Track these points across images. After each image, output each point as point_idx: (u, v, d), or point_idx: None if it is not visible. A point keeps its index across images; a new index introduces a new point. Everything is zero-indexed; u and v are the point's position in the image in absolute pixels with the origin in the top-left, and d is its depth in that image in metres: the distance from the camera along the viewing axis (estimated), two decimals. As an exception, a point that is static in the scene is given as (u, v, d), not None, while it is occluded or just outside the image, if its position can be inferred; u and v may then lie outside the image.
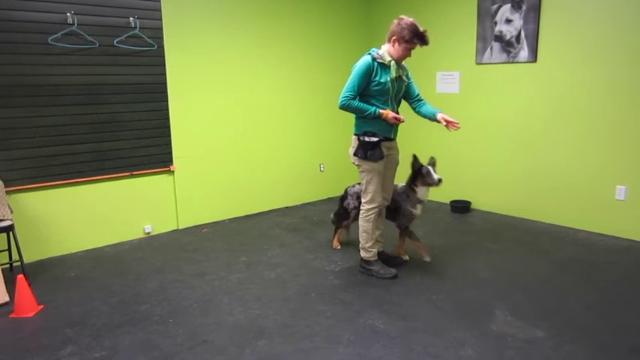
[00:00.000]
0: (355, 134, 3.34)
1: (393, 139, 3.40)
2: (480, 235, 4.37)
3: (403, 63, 3.32)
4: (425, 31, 3.12)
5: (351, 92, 3.21)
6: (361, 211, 3.43)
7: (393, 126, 3.31)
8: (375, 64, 3.19)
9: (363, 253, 3.50)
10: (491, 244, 4.12)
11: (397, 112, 3.32)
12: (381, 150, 3.27)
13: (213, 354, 2.54)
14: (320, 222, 4.84)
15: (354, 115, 3.36)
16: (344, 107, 3.24)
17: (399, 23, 3.13)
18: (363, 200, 3.40)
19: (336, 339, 2.65)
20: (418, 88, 3.48)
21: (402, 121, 3.24)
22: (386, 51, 3.20)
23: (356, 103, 3.22)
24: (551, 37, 4.38)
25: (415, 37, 3.10)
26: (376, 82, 3.19)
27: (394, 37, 3.15)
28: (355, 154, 3.31)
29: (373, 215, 3.38)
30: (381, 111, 3.19)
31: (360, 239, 3.47)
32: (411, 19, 3.12)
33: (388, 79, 3.18)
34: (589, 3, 4.13)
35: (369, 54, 3.22)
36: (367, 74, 3.18)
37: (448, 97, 5.25)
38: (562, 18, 4.29)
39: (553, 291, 3.18)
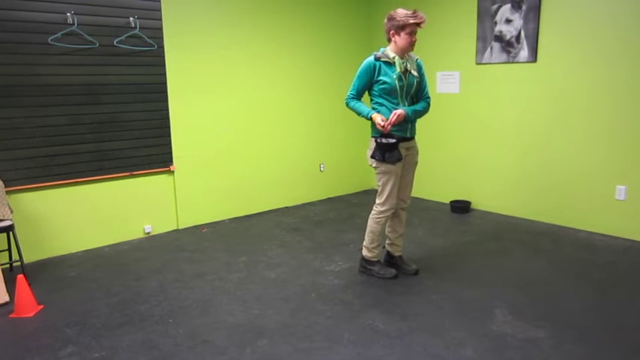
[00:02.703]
0: (372, 136, 3.27)
1: (411, 139, 3.32)
2: (480, 235, 4.37)
3: (417, 59, 3.27)
4: (414, 10, 3.09)
5: (351, 92, 3.27)
6: (372, 212, 3.38)
7: (407, 124, 3.23)
8: (379, 63, 3.17)
9: (365, 252, 3.48)
10: (491, 244, 4.12)
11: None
12: (399, 152, 3.20)
13: (213, 354, 2.54)
14: (320, 222, 4.84)
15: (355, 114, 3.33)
16: (346, 106, 3.32)
17: (388, 18, 3.15)
18: (377, 202, 3.35)
19: (336, 339, 2.65)
20: (428, 87, 3.36)
21: (385, 127, 3.07)
22: (390, 49, 3.18)
23: (353, 103, 3.25)
24: (551, 37, 4.38)
25: (409, 19, 3.06)
26: (381, 82, 3.16)
27: (391, 32, 3.14)
28: (373, 157, 3.24)
29: (384, 218, 3.33)
30: (373, 115, 3.14)
31: (366, 238, 3.44)
32: (397, 9, 3.13)
33: (394, 76, 3.13)
34: (589, 3, 4.13)
35: (373, 54, 3.21)
36: (368, 74, 3.18)
37: (448, 97, 5.25)
38: (562, 18, 4.29)
39: (553, 291, 3.18)
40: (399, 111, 3.10)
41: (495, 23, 4.72)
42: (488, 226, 4.62)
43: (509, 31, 4.63)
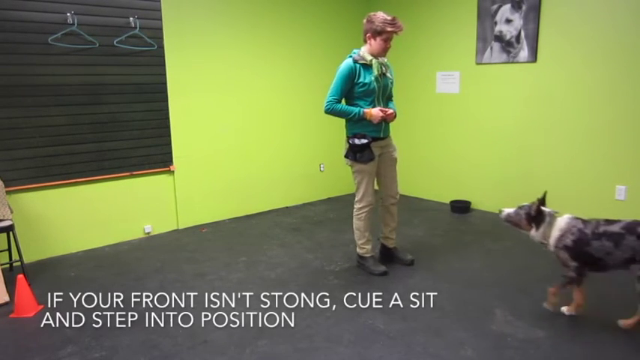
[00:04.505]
0: (346, 136, 3.37)
1: (385, 138, 3.39)
2: (480, 235, 4.37)
3: (387, 62, 3.34)
4: (394, 17, 3.16)
5: (334, 96, 3.25)
6: (354, 210, 3.51)
7: (381, 125, 3.29)
8: (357, 65, 3.22)
9: (357, 249, 3.60)
10: (491, 244, 4.12)
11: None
12: (371, 151, 3.29)
13: (213, 354, 2.54)
14: (320, 222, 4.84)
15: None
16: (329, 111, 3.28)
17: (367, 20, 3.21)
18: (355, 199, 3.48)
19: (336, 339, 2.65)
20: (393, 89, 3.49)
21: (389, 116, 3.22)
22: (365, 51, 3.24)
23: (340, 106, 3.26)
24: (551, 37, 4.38)
25: (386, 26, 3.13)
26: (360, 84, 3.21)
27: (368, 35, 3.21)
28: (346, 156, 3.36)
29: (363, 214, 3.44)
30: (365, 110, 3.21)
31: (354, 236, 3.57)
32: (378, 12, 3.19)
33: (372, 78, 3.21)
34: (589, 3, 4.13)
35: (350, 56, 3.26)
36: (349, 77, 3.21)
37: (448, 97, 5.25)
38: (562, 18, 4.29)
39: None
40: (391, 111, 3.26)
41: (495, 23, 4.72)
42: (488, 226, 4.62)
43: (509, 31, 4.63)
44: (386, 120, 3.26)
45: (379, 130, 3.30)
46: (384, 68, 3.27)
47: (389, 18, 3.15)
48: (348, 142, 3.31)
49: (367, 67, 3.22)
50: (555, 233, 2.72)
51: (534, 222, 2.78)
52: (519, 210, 2.84)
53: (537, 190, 4.62)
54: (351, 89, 3.26)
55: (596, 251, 2.61)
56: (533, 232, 2.81)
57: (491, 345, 2.57)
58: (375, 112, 3.20)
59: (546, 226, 2.75)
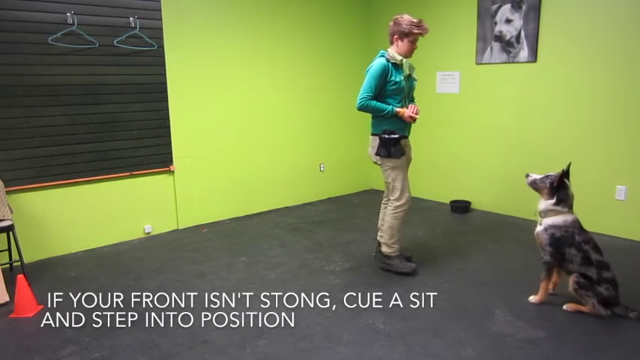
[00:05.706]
0: (374, 134, 3.40)
1: (407, 137, 3.47)
2: (480, 235, 4.37)
3: (411, 62, 3.40)
4: (420, 20, 3.28)
5: (368, 93, 3.29)
6: (389, 208, 3.45)
7: (407, 124, 3.39)
8: (389, 64, 3.30)
9: (384, 248, 3.52)
10: (491, 244, 4.13)
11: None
12: (402, 146, 3.35)
13: (213, 354, 2.54)
14: (320, 222, 4.84)
15: (367, 116, 3.45)
16: (362, 108, 3.32)
17: (394, 22, 3.31)
18: (392, 198, 3.43)
19: (336, 339, 2.65)
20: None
21: (417, 116, 3.32)
22: (394, 51, 3.33)
23: (374, 103, 3.30)
24: (551, 37, 4.38)
25: (414, 28, 3.25)
26: (392, 82, 3.29)
27: (396, 36, 3.31)
28: (377, 154, 3.36)
29: (402, 212, 3.41)
30: (398, 109, 3.29)
31: (385, 235, 3.49)
32: (404, 15, 3.30)
33: (402, 77, 3.30)
34: (589, 3, 4.13)
35: (382, 56, 3.33)
36: (383, 75, 3.27)
37: (448, 97, 5.25)
38: (562, 18, 4.29)
39: (553, 291, 3.17)
40: (418, 108, 3.37)
41: (495, 23, 4.72)
42: (488, 226, 4.63)
43: (509, 31, 4.63)
44: (413, 118, 3.32)
45: (405, 129, 3.40)
46: (410, 69, 3.37)
47: (415, 20, 3.26)
48: (381, 138, 3.32)
49: (397, 66, 3.31)
50: (557, 220, 2.90)
51: (555, 192, 2.94)
52: (545, 178, 3.01)
53: (537, 190, 4.64)
54: (383, 87, 3.31)
55: (568, 255, 2.86)
56: (547, 201, 2.96)
57: (491, 345, 2.57)
58: (406, 114, 3.29)
59: (557, 210, 2.92)
